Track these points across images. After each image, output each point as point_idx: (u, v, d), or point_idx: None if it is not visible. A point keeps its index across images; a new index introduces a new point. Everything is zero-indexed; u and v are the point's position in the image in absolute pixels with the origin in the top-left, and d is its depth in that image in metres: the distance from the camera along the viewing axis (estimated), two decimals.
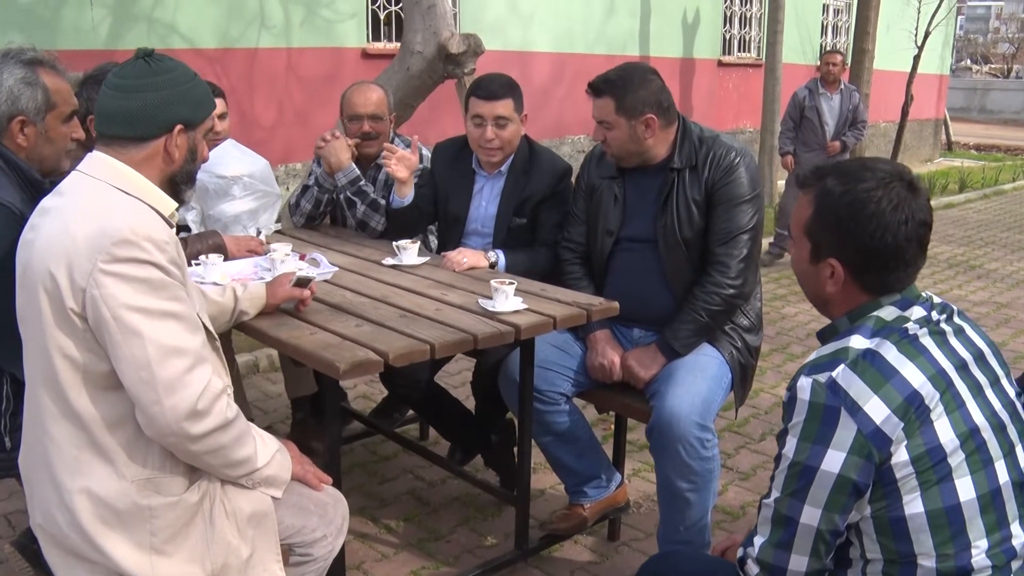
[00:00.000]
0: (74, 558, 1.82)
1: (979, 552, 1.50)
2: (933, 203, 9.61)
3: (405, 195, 3.25)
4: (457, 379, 4.57)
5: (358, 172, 3.41)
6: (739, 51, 11.76)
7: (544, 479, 3.54)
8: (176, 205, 1.89)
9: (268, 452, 1.94)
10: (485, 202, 3.26)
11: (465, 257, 3.03)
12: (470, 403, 3.39)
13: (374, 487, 3.56)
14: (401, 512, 3.37)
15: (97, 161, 1.82)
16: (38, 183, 2.18)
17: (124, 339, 1.68)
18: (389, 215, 3.35)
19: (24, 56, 2.18)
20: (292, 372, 3.67)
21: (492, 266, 3.08)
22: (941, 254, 8.17)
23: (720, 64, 11.31)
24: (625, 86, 2.71)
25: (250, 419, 3.54)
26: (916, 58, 12.12)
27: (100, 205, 1.75)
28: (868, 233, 1.56)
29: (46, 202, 1.83)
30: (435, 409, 3.32)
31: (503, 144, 3.14)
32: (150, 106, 1.81)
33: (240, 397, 3.60)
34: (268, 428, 3.83)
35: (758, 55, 11.67)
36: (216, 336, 2.00)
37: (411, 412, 3.87)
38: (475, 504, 3.42)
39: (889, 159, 1.70)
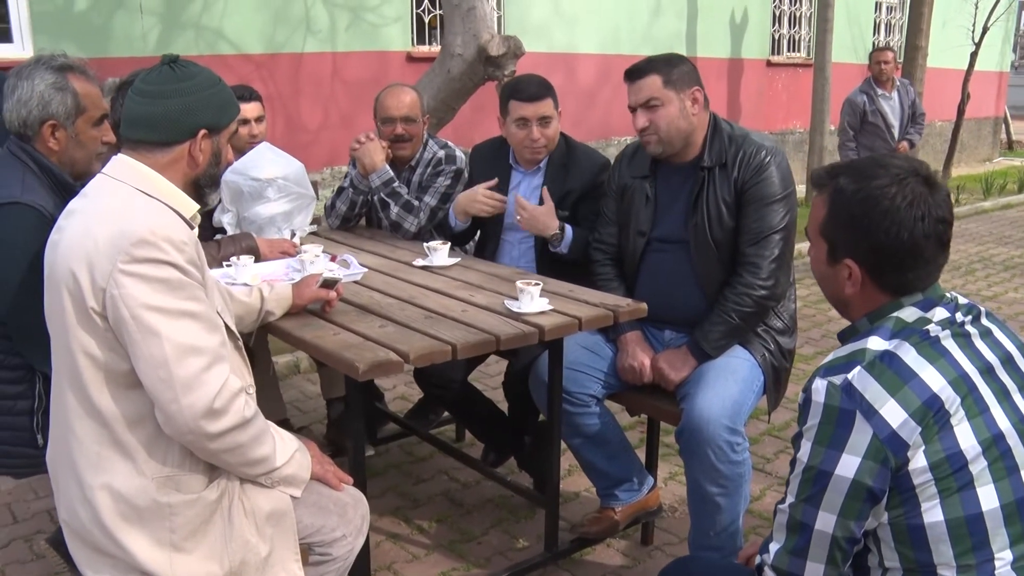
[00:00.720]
0: (97, 553, 1.85)
1: (1003, 564, 1.44)
2: (990, 204, 9.37)
3: (465, 221, 3.32)
4: (496, 380, 4.55)
5: (392, 174, 3.43)
6: (789, 51, 11.58)
7: (578, 482, 3.51)
8: (198, 207, 1.91)
9: (287, 451, 1.95)
10: (523, 196, 3.26)
11: (530, 213, 3.08)
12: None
13: (408, 487, 3.57)
14: (434, 513, 3.37)
15: (121, 164, 1.86)
16: (69, 186, 2.23)
17: (143, 338, 1.70)
18: (447, 234, 3.39)
19: (54, 62, 2.23)
20: (327, 373, 3.70)
21: (555, 238, 3.09)
22: (997, 256, 7.95)
23: (769, 64, 11.15)
24: (668, 62, 2.72)
25: (284, 418, 3.60)
26: (973, 55, 11.82)
27: (121, 207, 1.78)
28: (883, 231, 1.52)
29: (72, 204, 1.87)
30: (468, 410, 3.31)
31: (548, 142, 3.18)
32: (174, 112, 1.84)
33: (275, 396, 3.64)
34: (304, 428, 3.89)
35: (808, 55, 11.49)
36: (239, 336, 2.02)
37: (447, 413, 3.87)
38: (508, 506, 3.40)
39: (910, 156, 1.64)
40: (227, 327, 1.93)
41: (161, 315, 1.71)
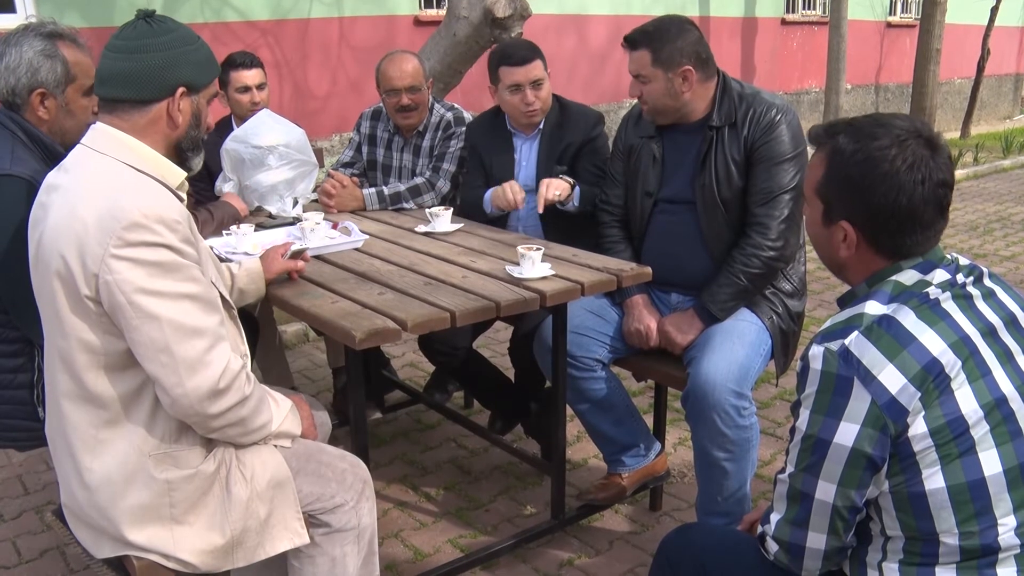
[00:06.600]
0: (98, 533, 1.84)
1: (1007, 530, 1.40)
2: (1009, 162, 9.22)
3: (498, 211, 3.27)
4: (506, 346, 4.52)
5: (380, 191, 3.42)
6: (804, 8, 11.37)
7: (586, 448, 3.50)
8: (184, 174, 1.87)
9: (282, 413, 1.98)
10: (526, 161, 3.28)
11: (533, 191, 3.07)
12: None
13: (416, 455, 3.57)
14: (442, 481, 3.36)
15: (100, 134, 1.79)
16: (60, 157, 2.18)
17: (141, 323, 1.66)
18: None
19: (43, 29, 2.18)
20: (333, 341, 3.69)
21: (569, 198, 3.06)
22: (1016, 215, 7.82)
23: (784, 23, 10.96)
24: (662, 37, 2.63)
25: (292, 387, 3.59)
26: (994, 9, 11.58)
27: (107, 184, 1.72)
28: (881, 194, 1.46)
29: (51, 178, 1.80)
30: (473, 377, 3.30)
31: (542, 104, 3.16)
32: (153, 67, 1.77)
33: (282, 366, 3.63)
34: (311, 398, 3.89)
35: (824, 12, 11.28)
36: (232, 305, 1.99)
37: None
38: (515, 473, 3.39)
39: (909, 115, 1.58)
40: (221, 296, 1.90)
41: (159, 299, 1.66)
